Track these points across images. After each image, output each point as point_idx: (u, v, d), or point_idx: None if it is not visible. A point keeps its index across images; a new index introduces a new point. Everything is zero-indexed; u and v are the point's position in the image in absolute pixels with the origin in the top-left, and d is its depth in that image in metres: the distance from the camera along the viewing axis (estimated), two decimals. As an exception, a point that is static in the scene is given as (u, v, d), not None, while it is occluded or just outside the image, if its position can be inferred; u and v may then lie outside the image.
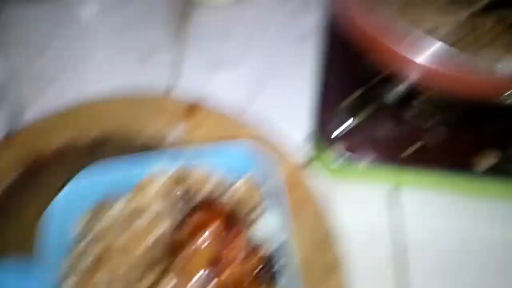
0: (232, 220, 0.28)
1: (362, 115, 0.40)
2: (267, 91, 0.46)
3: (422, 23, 0.33)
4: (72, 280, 0.28)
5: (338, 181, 0.41)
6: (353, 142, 0.39)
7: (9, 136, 0.39)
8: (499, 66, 0.32)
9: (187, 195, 0.30)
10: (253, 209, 0.31)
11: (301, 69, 0.46)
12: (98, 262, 0.28)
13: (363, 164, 0.39)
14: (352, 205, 0.40)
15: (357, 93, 0.40)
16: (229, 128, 0.39)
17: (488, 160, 0.38)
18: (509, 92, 0.31)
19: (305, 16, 0.49)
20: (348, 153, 0.39)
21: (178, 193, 0.30)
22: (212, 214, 0.28)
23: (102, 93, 0.43)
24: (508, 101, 0.32)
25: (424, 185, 0.41)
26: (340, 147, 0.39)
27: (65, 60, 0.48)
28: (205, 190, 0.31)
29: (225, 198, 0.30)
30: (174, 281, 0.27)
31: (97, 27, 0.52)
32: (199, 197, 0.30)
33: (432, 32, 0.33)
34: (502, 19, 0.34)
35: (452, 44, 0.32)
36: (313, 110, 0.41)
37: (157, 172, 0.32)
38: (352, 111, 0.40)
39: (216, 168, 0.32)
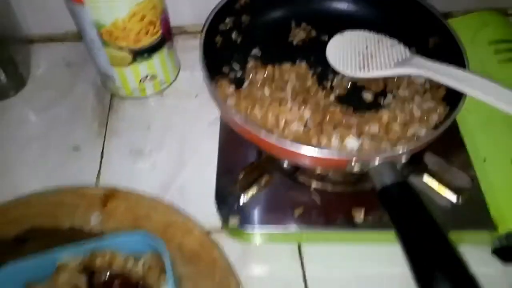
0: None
1: (255, 188, 0.47)
2: (182, 173, 0.53)
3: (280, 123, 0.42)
4: None
5: (244, 245, 0.47)
6: (253, 211, 0.46)
7: None
8: (345, 144, 0.41)
9: (94, 275, 0.36)
10: (157, 278, 0.37)
11: (210, 150, 0.53)
12: None
13: (263, 229, 0.46)
14: (261, 263, 0.46)
15: (250, 168, 0.47)
16: (141, 210, 0.45)
17: (361, 215, 0.45)
18: (352, 163, 0.39)
19: (212, 106, 0.58)
20: (249, 221, 0.45)
21: (86, 274, 0.36)
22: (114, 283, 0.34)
23: (33, 190, 0.49)
24: (355, 169, 0.40)
25: (318, 240, 0.47)
26: (241, 216, 0.45)
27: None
28: (112, 267, 0.36)
29: (129, 272, 0.36)
30: None
31: (29, 127, 0.57)
32: (107, 273, 0.36)
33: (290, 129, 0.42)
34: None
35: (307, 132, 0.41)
36: (217, 189, 0.48)
37: (69, 258, 0.37)
38: (249, 184, 0.47)
39: (119, 251, 0.38)
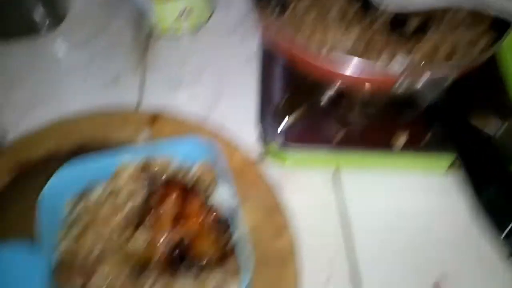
0: (189, 190, 0.36)
1: (298, 113, 0.48)
2: (221, 103, 0.54)
3: (327, 42, 0.43)
4: (64, 245, 0.35)
5: (286, 170, 0.48)
6: (295, 135, 0.47)
7: None
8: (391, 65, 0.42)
9: (152, 177, 0.38)
10: (208, 185, 0.38)
11: (248, 84, 0.54)
12: (84, 230, 0.35)
13: (305, 152, 0.47)
14: (301, 188, 0.48)
15: (291, 96, 0.49)
16: (188, 130, 0.46)
17: (401, 139, 0.47)
18: (397, 84, 0.40)
19: (249, 42, 0.59)
20: (292, 144, 0.47)
21: (144, 177, 0.38)
22: (172, 187, 0.36)
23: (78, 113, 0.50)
24: (399, 91, 0.41)
25: (357, 165, 0.49)
26: (283, 138, 0.47)
27: (42, 89, 0.55)
28: (167, 172, 0.38)
29: (183, 178, 0.38)
30: (147, 234, 0.33)
31: (69, 60, 0.59)
32: (162, 178, 0.37)
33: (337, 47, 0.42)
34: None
35: (354, 54, 0.42)
36: (259, 114, 0.49)
37: (128, 163, 0.39)
38: (290, 110, 0.49)
39: (175, 157, 0.40)
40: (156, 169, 0.38)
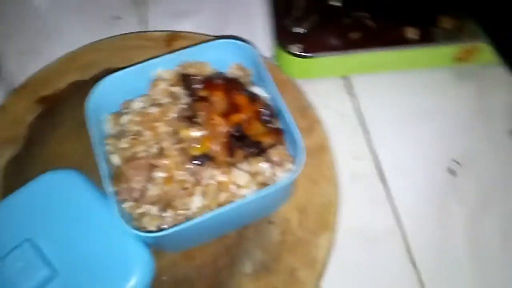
0: (230, 85, 0.37)
1: (309, 21, 0.49)
2: (229, 27, 0.54)
3: None
4: (116, 157, 0.36)
5: (301, 78, 0.49)
6: (311, 42, 0.48)
7: (19, 87, 0.46)
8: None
9: (190, 82, 0.38)
10: (246, 82, 0.39)
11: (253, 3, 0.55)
12: (135, 138, 0.36)
13: (319, 58, 0.48)
14: (318, 97, 0.49)
15: (302, 3, 0.49)
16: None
17: (413, 32, 0.48)
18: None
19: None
20: (309, 51, 0.47)
21: (183, 82, 0.38)
22: (214, 84, 0.37)
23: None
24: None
25: (370, 68, 0.50)
26: (301, 43, 0.47)
27: (41, 36, 0.54)
28: (204, 75, 0.39)
29: (222, 77, 0.39)
30: (201, 132, 0.34)
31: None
32: (201, 79, 0.38)
33: None
34: None
35: None
36: (270, 26, 0.50)
37: (162, 72, 0.40)
38: (301, 19, 0.49)
39: (208, 61, 0.40)
40: (192, 73, 0.38)
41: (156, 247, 0.36)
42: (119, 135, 0.36)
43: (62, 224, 0.35)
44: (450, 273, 0.42)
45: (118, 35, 0.50)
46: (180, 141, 0.35)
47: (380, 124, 0.48)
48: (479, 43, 0.47)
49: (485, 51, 0.46)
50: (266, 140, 0.34)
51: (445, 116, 0.49)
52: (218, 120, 0.34)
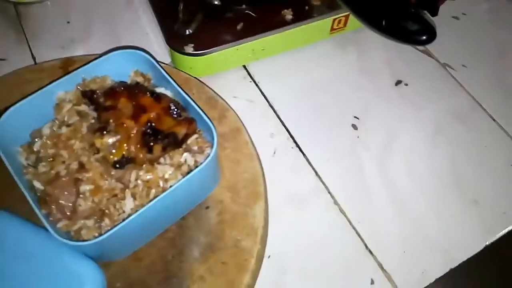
0: (133, 89, 0.39)
1: (195, 21, 0.52)
2: (122, 39, 0.56)
3: None
4: (37, 183, 0.36)
5: (203, 76, 0.52)
6: (199, 41, 0.51)
7: None
8: None
9: (94, 96, 0.40)
10: (148, 86, 0.41)
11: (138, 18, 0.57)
12: (52, 159, 0.36)
13: (213, 53, 0.51)
14: (223, 88, 0.52)
15: (185, 5, 0.52)
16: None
17: (289, 13, 0.53)
18: None
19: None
20: (201, 49, 0.50)
21: (86, 98, 0.39)
22: (117, 92, 0.38)
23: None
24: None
25: (260, 54, 0.55)
26: (193, 43, 0.50)
27: None
28: (106, 87, 0.40)
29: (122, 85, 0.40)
30: (115, 137, 0.36)
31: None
32: (104, 92, 0.39)
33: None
34: None
35: None
36: (161, 33, 0.52)
37: (63, 94, 0.41)
38: (187, 21, 0.53)
39: (108, 72, 0.42)
40: (95, 88, 0.40)
41: (103, 258, 0.37)
42: (36, 162, 0.37)
43: (4, 265, 0.35)
44: (373, 210, 0.47)
45: (9, 73, 0.49)
46: (97, 151, 0.36)
47: (284, 102, 0.53)
48: (345, 12, 0.53)
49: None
50: (180, 130, 0.37)
51: (337, 82, 0.55)
52: (128, 122, 0.36)
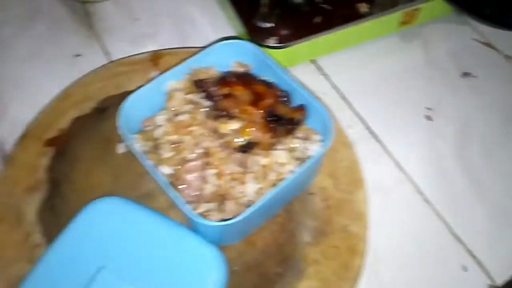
0: (245, 77, 0.40)
1: (274, 15, 0.54)
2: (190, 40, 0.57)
3: None
4: (165, 167, 0.37)
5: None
6: (280, 35, 0.52)
7: (22, 136, 0.45)
8: None
9: (205, 85, 0.41)
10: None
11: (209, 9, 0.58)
12: (176, 145, 0.37)
13: (294, 45, 0.52)
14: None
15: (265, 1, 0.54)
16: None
17: (365, 6, 0.55)
18: None
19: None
20: (281, 43, 0.51)
21: (198, 88, 0.40)
22: (231, 81, 0.39)
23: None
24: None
25: (335, 46, 0.56)
26: (273, 41, 0.51)
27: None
28: (213, 76, 0.41)
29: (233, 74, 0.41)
30: (240, 123, 0.37)
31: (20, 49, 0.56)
32: (215, 81, 0.40)
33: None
34: None
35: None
36: (241, 27, 0.53)
37: (173, 84, 0.42)
38: (267, 15, 0.54)
39: (212, 63, 0.43)
40: (205, 77, 0.41)
41: (221, 243, 0.38)
42: (154, 149, 0.38)
43: (127, 246, 0.36)
44: (456, 198, 0.48)
45: (101, 66, 0.50)
46: (221, 136, 0.37)
47: (357, 94, 0.54)
48: (418, 4, 0.54)
49: (423, 11, 0.54)
50: (297, 116, 0.38)
51: (406, 74, 0.56)
52: (250, 109, 0.37)
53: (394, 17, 0.54)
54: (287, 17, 0.52)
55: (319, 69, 0.55)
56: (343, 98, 0.53)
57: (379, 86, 0.54)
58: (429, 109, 0.53)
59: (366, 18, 0.53)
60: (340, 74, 0.55)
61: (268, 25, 0.51)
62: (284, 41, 0.51)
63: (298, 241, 0.40)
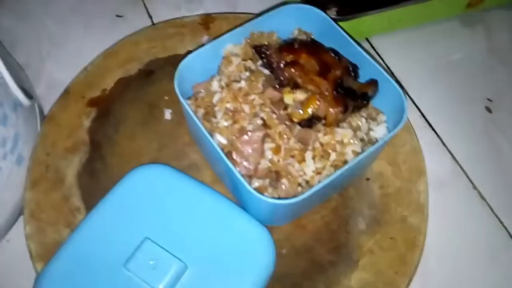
0: (313, 46, 0.36)
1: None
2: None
3: None
4: (219, 136, 0.34)
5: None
6: (340, 6, 0.48)
7: (63, 93, 0.43)
8: None
9: (266, 50, 0.37)
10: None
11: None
12: (234, 114, 0.34)
13: (355, 19, 0.48)
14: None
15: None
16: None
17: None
18: None
19: None
20: (341, 15, 0.48)
21: (258, 52, 0.37)
22: (296, 49, 0.36)
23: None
24: None
25: (395, 24, 0.52)
26: (334, 12, 0.48)
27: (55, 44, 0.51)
28: (275, 42, 0.38)
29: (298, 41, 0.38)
30: (307, 94, 0.34)
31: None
32: (276, 47, 0.37)
33: None
34: None
35: None
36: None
37: (231, 47, 0.38)
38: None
39: (272, 28, 0.39)
40: (265, 42, 0.37)
41: (269, 223, 0.35)
42: (205, 117, 0.35)
43: (173, 217, 0.33)
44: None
45: (149, 26, 0.47)
46: (281, 107, 0.34)
47: (412, 78, 0.50)
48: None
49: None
50: (369, 91, 0.34)
51: (467, 61, 0.52)
52: (318, 79, 0.33)
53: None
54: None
55: (372, 48, 0.51)
56: (397, 80, 0.50)
57: (436, 72, 0.51)
58: (489, 100, 0.49)
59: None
60: (395, 56, 0.51)
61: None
62: (344, 13, 0.47)
63: (352, 229, 0.37)
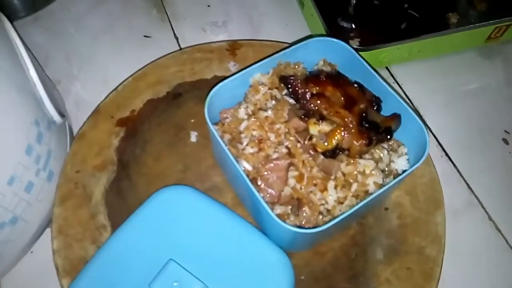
0: (338, 78, 0.37)
1: (359, 17, 0.51)
2: (263, 25, 0.55)
3: None
4: (245, 162, 0.35)
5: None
6: (363, 37, 0.50)
7: (94, 113, 0.44)
8: None
9: (292, 81, 0.38)
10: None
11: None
12: (259, 141, 0.35)
13: (376, 50, 0.50)
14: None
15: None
16: (268, 50, 0.47)
17: (455, 17, 0.52)
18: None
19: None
20: (363, 46, 0.49)
21: (283, 83, 0.38)
22: (321, 81, 0.37)
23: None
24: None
25: (416, 54, 0.53)
26: (357, 43, 0.49)
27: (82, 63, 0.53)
28: (301, 73, 0.39)
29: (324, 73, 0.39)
30: (332, 126, 0.35)
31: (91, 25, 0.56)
32: (304, 78, 0.38)
33: None
34: None
35: None
36: (322, 26, 0.51)
37: (258, 77, 0.40)
38: (352, 16, 0.51)
39: (299, 59, 0.41)
40: (291, 73, 0.39)
41: (288, 249, 0.36)
42: (231, 142, 0.36)
43: (196, 238, 0.34)
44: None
45: (177, 50, 0.49)
46: (306, 137, 0.35)
47: (430, 107, 0.51)
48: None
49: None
50: (392, 125, 0.35)
51: (485, 92, 0.53)
52: (343, 112, 0.35)
53: (484, 30, 0.51)
54: (370, 20, 0.50)
55: (392, 76, 0.53)
56: (416, 109, 0.50)
57: (454, 102, 0.52)
58: (506, 132, 0.50)
59: (457, 29, 0.50)
60: (414, 85, 0.53)
61: (352, 26, 0.49)
62: (366, 44, 0.48)
63: (370, 258, 0.38)
